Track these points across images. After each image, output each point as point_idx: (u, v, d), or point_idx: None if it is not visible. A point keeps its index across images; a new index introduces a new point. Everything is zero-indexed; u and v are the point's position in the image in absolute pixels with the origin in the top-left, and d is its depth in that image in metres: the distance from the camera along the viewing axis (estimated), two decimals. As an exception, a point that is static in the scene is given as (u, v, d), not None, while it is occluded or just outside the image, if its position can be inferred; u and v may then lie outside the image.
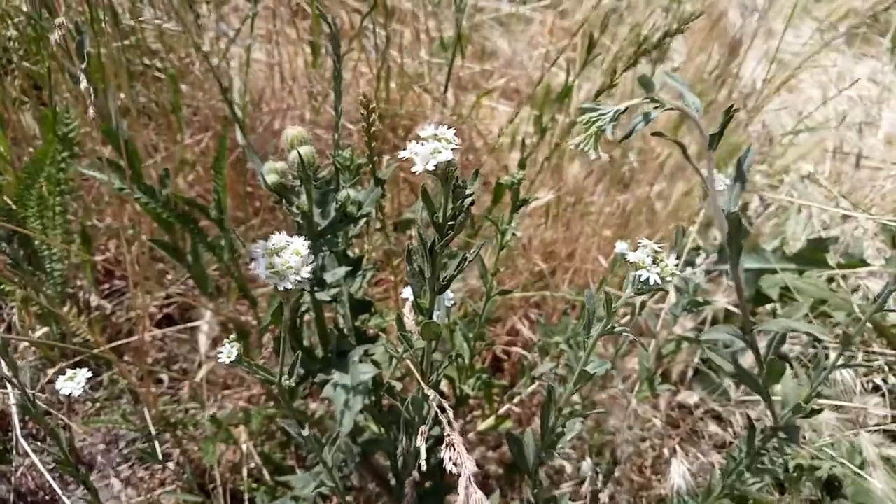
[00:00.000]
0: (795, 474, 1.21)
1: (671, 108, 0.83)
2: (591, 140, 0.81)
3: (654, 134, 0.90)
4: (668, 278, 0.85)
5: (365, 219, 1.09)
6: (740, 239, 0.89)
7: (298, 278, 0.78)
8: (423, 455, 0.96)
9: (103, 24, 1.64)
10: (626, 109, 0.82)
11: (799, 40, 2.01)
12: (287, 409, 0.95)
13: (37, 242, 1.54)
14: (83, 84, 1.13)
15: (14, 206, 1.54)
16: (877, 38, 2.64)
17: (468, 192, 0.78)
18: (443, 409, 0.94)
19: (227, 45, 1.84)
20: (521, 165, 1.54)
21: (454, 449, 0.86)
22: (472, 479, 0.85)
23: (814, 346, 1.88)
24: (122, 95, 1.73)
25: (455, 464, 0.86)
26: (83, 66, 1.27)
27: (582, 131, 0.83)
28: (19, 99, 1.75)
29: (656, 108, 0.83)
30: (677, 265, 0.86)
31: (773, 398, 1.11)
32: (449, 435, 0.88)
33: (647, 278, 0.85)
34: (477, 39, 2.47)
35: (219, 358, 0.87)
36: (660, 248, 0.88)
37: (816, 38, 2.29)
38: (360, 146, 1.16)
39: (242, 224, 1.91)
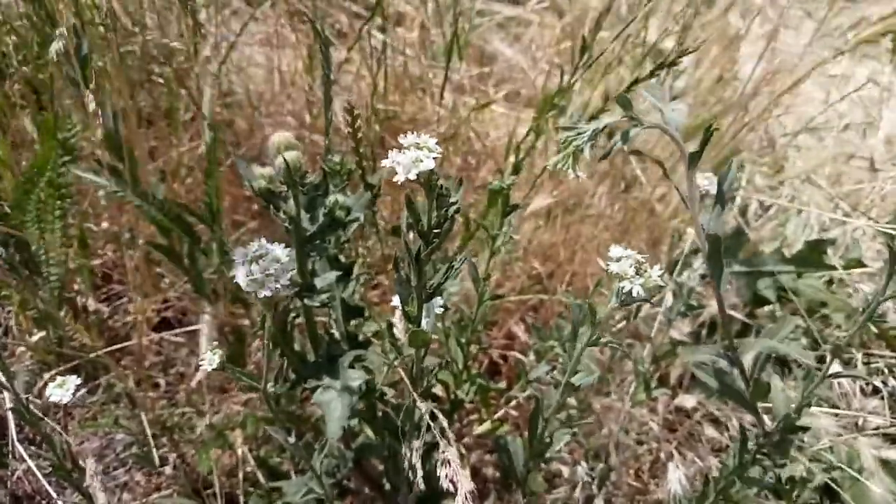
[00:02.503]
0: (788, 486, 1.20)
1: (650, 127, 0.83)
2: (568, 159, 0.81)
3: (631, 153, 0.90)
4: (653, 289, 0.85)
5: (356, 223, 1.09)
6: (721, 260, 0.89)
7: (277, 286, 0.78)
8: (420, 472, 0.96)
9: (102, 29, 1.66)
10: (604, 128, 0.82)
11: (795, 40, 2.00)
12: (274, 416, 0.95)
13: (33, 247, 1.54)
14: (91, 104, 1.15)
15: (11, 211, 1.54)
16: (876, 39, 2.62)
17: (452, 200, 0.78)
18: (435, 419, 0.94)
19: (226, 51, 1.84)
20: (516, 170, 1.54)
21: (450, 465, 0.87)
22: (468, 496, 0.85)
23: (814, 348, 1.88)
24: (122, 103, 1.74)
25: (452, 481, 0.86)
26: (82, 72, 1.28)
27: (560, 150, 0.83)
28: (18, 104, 1.76)
29: (635, 126, 0.83)
30: (661, 276, 0.86)
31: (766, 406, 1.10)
32: (444, 451, 0.88)
33: (630, 290, 0.85)
34: (476, 42, 2.46)
35: (204, 367, 0.88)
36: (643, 258, 0.88)
37: (817, 40, 2.28)
38: (349, 151, 1.17)
39: (240, 227, 1.92)
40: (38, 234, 1.56)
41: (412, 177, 0.73)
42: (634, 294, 0.85)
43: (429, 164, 0.74)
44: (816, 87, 2.44)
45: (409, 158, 0.74)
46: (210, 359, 0.88)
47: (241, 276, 0.78)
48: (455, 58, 1.85)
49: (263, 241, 0.81)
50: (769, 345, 0.98)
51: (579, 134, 0.79)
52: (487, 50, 2.47)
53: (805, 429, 1.06)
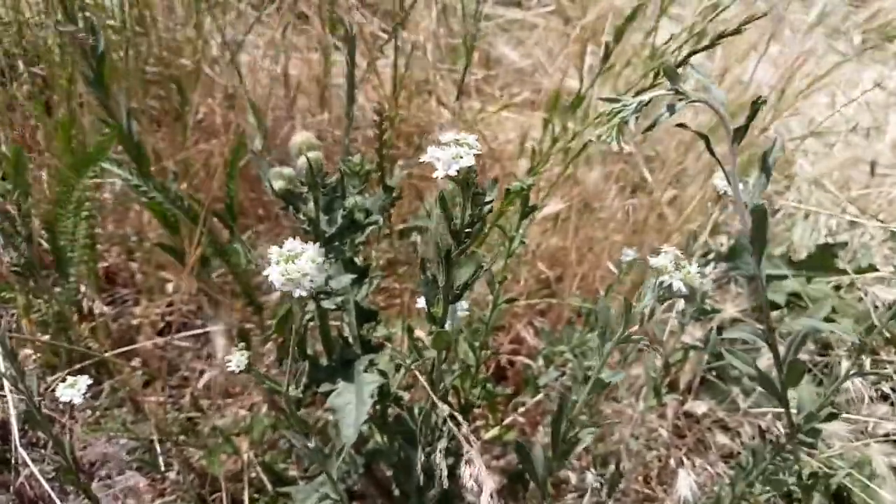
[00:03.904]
0: (810, 482, 1.19)
1: (695, 101, 0.82)
2: (613, 131, 0.80)
3: (677, 125, 0.89)
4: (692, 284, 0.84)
5: (374, 226, 1.07)
6: (765, 234, 0.88)
7: (313, 285, 0.76)
8: (445, 471, 0.95)
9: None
10: (649, 101, 0.81)
11: (804, 46, 2.00)
12: (293, 420, 0.93)
13: (62, 243, 1.53)
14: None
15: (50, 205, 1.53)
16: (883, 44, 2.62)
17: (487, 198, 0.77)
18: (458, 423, 0.92)
19: (233, 52, 1.83)
20: (531, 173, 1.52)
21: (473, 465, 0.85)
22: (493, 495, 0.84)
23: (822, 354, 1.86)
24: (134, 104, 1.73)
25: (476, 480, 0.84)
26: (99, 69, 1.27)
27: (604, 122, 0.82)
28: (25, 105, 1.75)
29: (680, 100, 0.82)
30: (699, 272, 0.85)
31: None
32: (468, 451, 0.87)
33: (671, 284, 0.84)
34: (482, 46, 2.46)
35: (227, 366, 0.86)
36: (682, 254, 0.87)
37: (822, 42, 2.28)
38: (367, 152, 1.15)
39: (248, 231, 1.90)
40: (72, 227, 1.54)
41: (452, 173, 0.72)
42: (675, 288, 0.84)
43: (469, 161, 0.73)
44: (822, 92, 2.43)
45: (449, 154, 0.73)
46: (238, 360, 0.86)
47: (275, 275, 0.77)
48: (461, 61, 1.84)
49: (298, 240, 0.79)
50: (810, 324, 0.97)
51: (625, 106, 0.78)
52: (493, 54, 2.46)
53: (834, 415, 1.05)
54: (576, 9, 2.50)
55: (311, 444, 0.93)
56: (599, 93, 1.79)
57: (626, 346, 1.59)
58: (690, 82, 0.87)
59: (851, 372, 1.04)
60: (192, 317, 1.83)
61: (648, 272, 0.88)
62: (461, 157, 0.73)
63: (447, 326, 0.85)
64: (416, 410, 1.09)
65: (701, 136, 0.85)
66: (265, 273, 0.77)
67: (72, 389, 1.11)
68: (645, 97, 0.79)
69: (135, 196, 1.57)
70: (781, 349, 1.01)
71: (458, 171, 0.73)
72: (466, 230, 0.76)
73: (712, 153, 0.86)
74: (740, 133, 0.83)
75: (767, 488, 1.20)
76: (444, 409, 0.89)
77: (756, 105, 0.82)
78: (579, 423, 1.09)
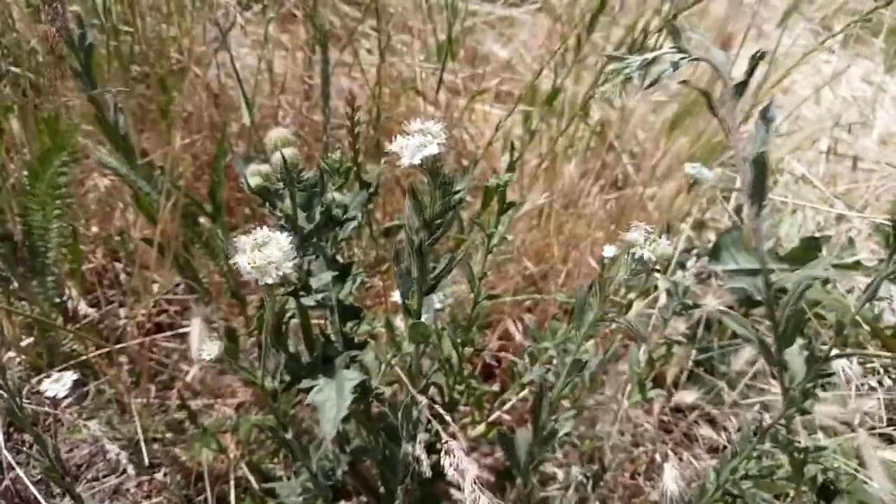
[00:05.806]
0: (802, 456, 1.19)
1: (697, 59, 0.83)
2: (617, 88, 0.81)
3: (680, 82, 0.91)
4: (662, 257, 0.86)
5: (353, 223, 1.07)
6: (764, 185, 0.88)
7: (280, 273, 0.77)
8: (426, 461, 0.95)
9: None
10: (653, 59, 0.82)
11: (789, 40, 2.00)
12: (272, 411, 0.93)
13: (35, 240, 1.52)
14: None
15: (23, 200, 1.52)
16: (870, 39, 2.63)
17: (457, 188, 0.78)
18: (436, 415, 0.92)
19: (215, 50, 1.83)
20: (510, 168, 1.53)
21: (454, 455, 0.86)
22: (475, 481, 0.84)
23: (808, 346, 1.86)
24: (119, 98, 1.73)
25: (456, 469, 0.85)
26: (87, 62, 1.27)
27: (609, 79, 0.83)
28: (5, 105, 1.74)
29: (682, 58, 0.83)
30: (670, 244, 0.87)
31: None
32: (447, 441, 0.87)
33: (642, 255, 0.85)
34: (469, 43, 2.46)
35: (202, 356, 0.86)
36: (652, 229, 0.88)
37: (808, 37, 2.28)
38: (349, 149, 1.15)
39: (232, 230, 1.90)
40: (43, 221, 1.53)
41: (417, 161, 0.73)
42: (645, 258, 0.85)
43: (433, 150, 0.73)
44: (808, 87, 2.44)
45: (415, 143, 0.73)
46: (210, 348, 0.86)
47: (243, 262, 0.77)
48: (448, 58, 1.84)
49: (266, 229, 0.80)
50: (808, 273, 0.96)
51: (629, 63, 0.79)
52: (481, 51, 2.46)
53: (831, 374, 1.05)
54: (563, 6, 2.49)
55: (289, 436, 0.93)
56: (575, 87, 1.80)
57: (608, 341, 1.59)
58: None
59: (835, 353, 1.04)
60: (178, 317, 1.83)
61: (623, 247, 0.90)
62: (425, 147, 0.73)
63: (423, 318, 0.85)
64: (399, 405, 1.09)
65: (703, 92, 0.85)
66: (233, 261, 0.77)
67: (57, 384, 1.11)
68: (649, 55, 0.80)
69: (119, 196, 1.57)
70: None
71: (422, 160, 0.73)
72: (437, 221, 0.76)
73: (713, 110, 0.86)
74: (741, 88, 0.84)
75: (754, 472, 1.20)
76: (422, 401, 0.89)
77: (754, 60, 0.83)
78: (560, 413, 1.09)
